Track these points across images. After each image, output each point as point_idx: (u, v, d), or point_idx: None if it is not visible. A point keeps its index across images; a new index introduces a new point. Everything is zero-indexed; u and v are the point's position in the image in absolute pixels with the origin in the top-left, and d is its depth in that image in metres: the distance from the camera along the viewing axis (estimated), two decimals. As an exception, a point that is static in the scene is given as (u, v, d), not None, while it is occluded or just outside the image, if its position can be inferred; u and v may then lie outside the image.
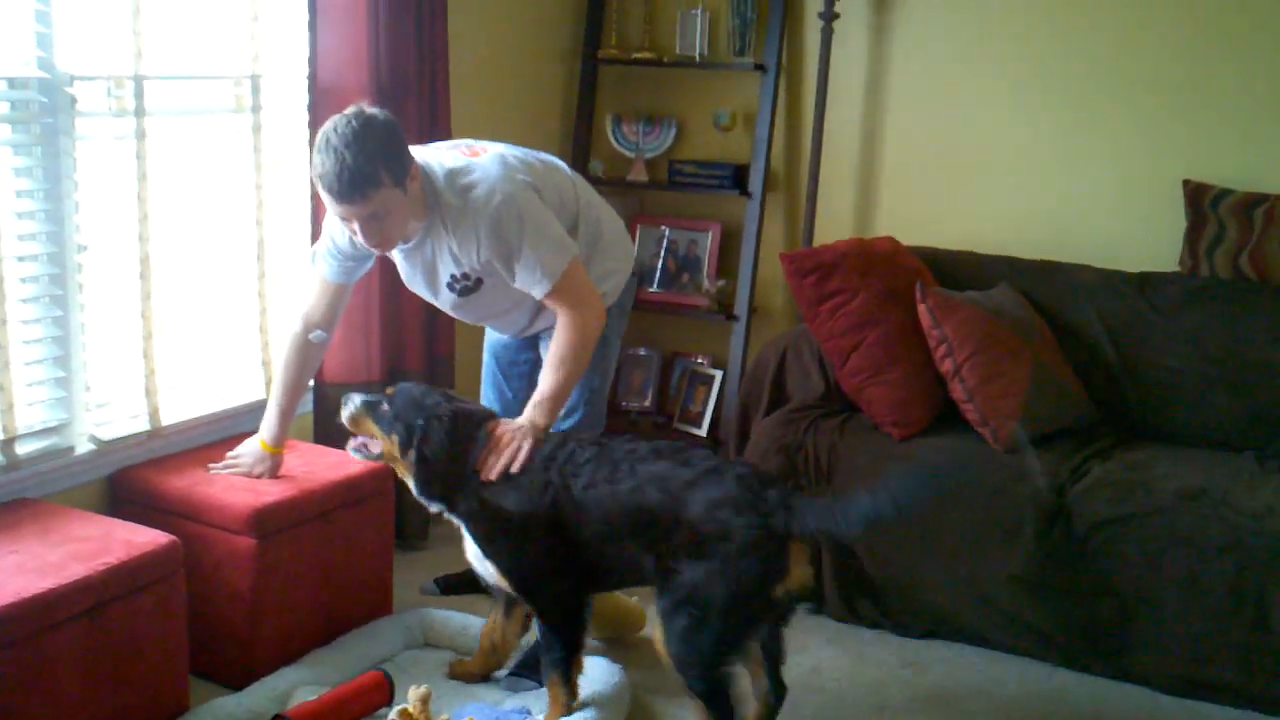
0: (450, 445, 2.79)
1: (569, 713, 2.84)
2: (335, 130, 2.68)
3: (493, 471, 2.75)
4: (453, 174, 2.84)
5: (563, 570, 2.78)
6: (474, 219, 2.80)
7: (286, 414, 3.19)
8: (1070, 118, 4.19)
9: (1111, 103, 4.12)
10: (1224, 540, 3.13)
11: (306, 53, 3.55)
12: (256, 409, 3.57)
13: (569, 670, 2.84)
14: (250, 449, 3.21)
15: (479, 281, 2.93)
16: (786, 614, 2.76)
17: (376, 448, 2.92)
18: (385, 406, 2.88)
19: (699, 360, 4.75)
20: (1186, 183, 3.97)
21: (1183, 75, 4.01)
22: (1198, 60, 3.99)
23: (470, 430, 2.81)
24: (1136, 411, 3.81)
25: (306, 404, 3.75)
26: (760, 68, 4.49)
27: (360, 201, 2.68)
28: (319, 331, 3.16)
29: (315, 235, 3.61)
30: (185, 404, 3.39)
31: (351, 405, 2.93)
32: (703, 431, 4.61)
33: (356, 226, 2.76)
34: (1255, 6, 3.90)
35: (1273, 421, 3.62)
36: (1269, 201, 3.81)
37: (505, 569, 2.83)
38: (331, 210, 2.80)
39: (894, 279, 3.80)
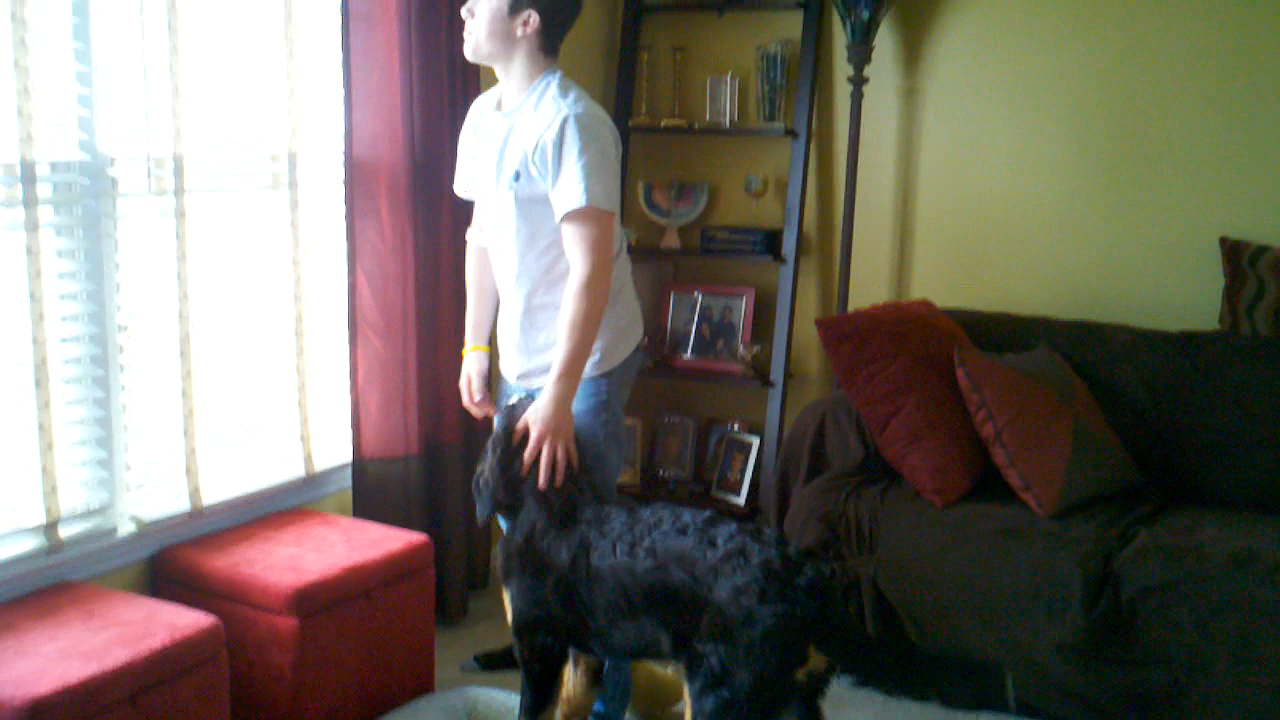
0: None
1: None
2: None
3: (542, 481, 2.77)
4: (569, 87, 2.88)
5: (558, 627, 2.79)
6: (559, 109, 2.80)
7: (482, 317, 3.21)
8: (1104, 176, 4.18)
9: (1146, 160, 4.11)
10: (1275, 606, 3.07)
11: (342, 128, 3.57)
12: (297, 485, 3.60)
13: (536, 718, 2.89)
14: (470, 363, 3.20)
15: (517, 175, 2.88)
16: (815, 692, 2.71)
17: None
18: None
19: (735, 427, 4.73)
20: (1223, 240, 3.94)
21: (1216, 131, 4.00)
22: (1231, 116, 3.98)
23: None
24: (1181, 473, 3.76)
25: (345, 480, 3.75)
26: (791, 133, 4.51)
27: None
28: (482, 235, 3.15)
29: (354, 308, 3.63)
30: (226, 482, 3.39)
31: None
32: (741, 499, 4.57)
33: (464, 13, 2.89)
34: (1288, 64, 3.90)
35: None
36: (1308, 258, 3.78)
37: (510, 598, 2.85)
38: None
39: (931, 343, 3.78)
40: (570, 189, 2.77)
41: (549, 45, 2.89)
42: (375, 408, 3.69)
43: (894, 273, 4.53)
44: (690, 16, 4.72)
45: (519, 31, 2.84)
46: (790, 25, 4.56)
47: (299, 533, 3.34)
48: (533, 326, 2.97)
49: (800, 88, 4.51)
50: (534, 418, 2.80)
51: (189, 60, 3.17)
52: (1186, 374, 3.80)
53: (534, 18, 2.83)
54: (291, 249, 3.54)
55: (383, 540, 3.31)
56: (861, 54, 4.29)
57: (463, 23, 2.93)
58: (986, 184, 4.36)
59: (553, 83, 2.87)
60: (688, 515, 2.67)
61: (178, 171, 3.17)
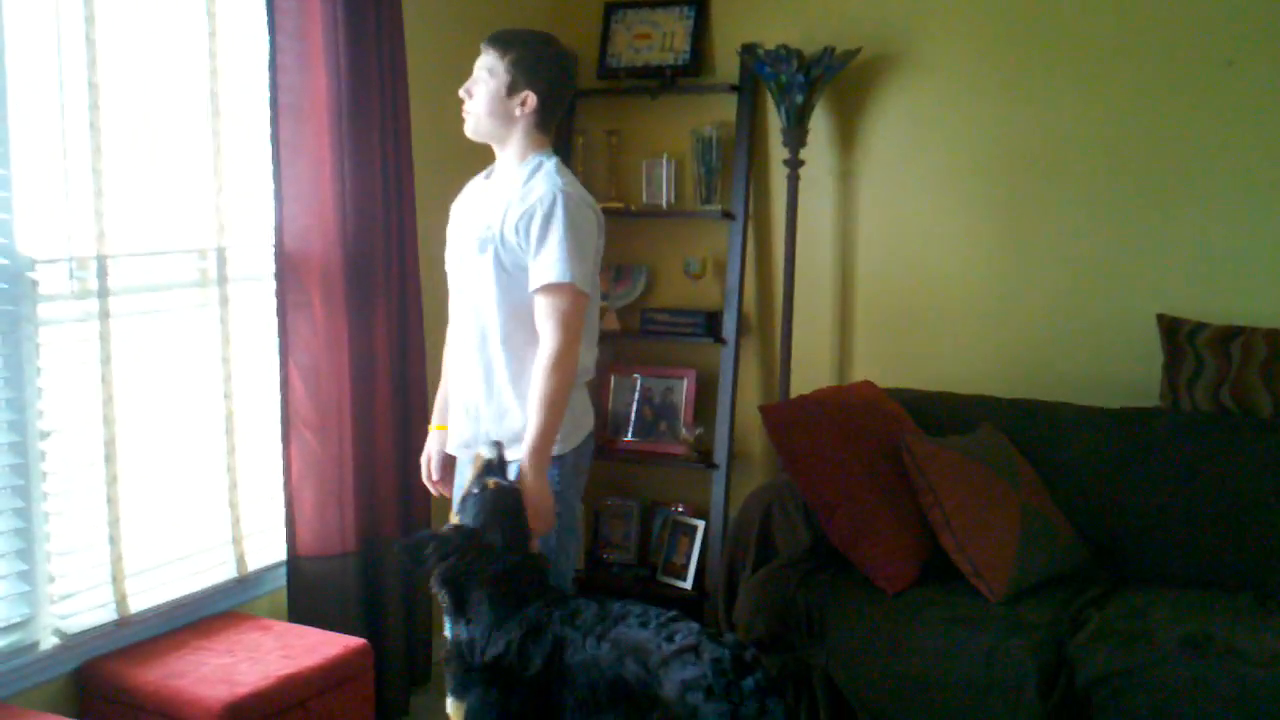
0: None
1: None
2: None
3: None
4: (564, 170, 2.98)
5: None
6: (553, 185, 2.89)
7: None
8: (1042, 253, 4.20)
9: (1082, 237, 4.14)
10: (1232, 691, 3.03)
11: (273, 222, 3.49)
12: (230, 587, 3.49)
13: None
14: (433, 442, 3.24)
15: (492, 238, 2.93)
16: None
17: None
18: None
19: (679, 510, 4.66)
20: (1161, 317, 3.96)
21: (1152, 208, 4.04)
22: (1166, 192, 4.02)
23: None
24: (1128, 552, 3.72)
25: (279, 579, 3.63)
26: (728, 215, 4.50)
27: (484, 52, 2.97)
28: None
29: (287, 404, 3.54)
30: (155, 588, 3.28)
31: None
32: (688, 584, 4.50)
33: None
34: (1218, 144, 3.94)
35: (1268, 557, 3.55)
36: (1245, 334, 3.80)
37: (467, 711, 2.73)
38: None
39: (875, 427, 3.74)
40: (550, 263, 2.84)
41: (544, 123, 3.00)
42: (310, 505, 3.59)
43: (835, 352, 4.51)
44: (624, 100, 4.72)
45: (517, 111, 2.95)
46: (725, 108, 4.56)
47: (231, 640, 3.22)
48: (490, 395, 2.99)
49: (736, 170, 4.50)
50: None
51: (112, 158, 3.10)
52: (1129, 451, 3.78)
53: (531, 98, 2.95)
54: (221, 346, 3.45)
55: (319, 646, 3.21)
56: (796, 137, 4.30)
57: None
58: (925, 263, 4.36)
59: (547, 163, 2.97)
60: (654, 612, 2.66)
61: (101, 272, 3.09)
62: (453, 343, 3.17)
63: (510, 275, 2.92)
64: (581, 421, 3.06)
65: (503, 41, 2.96)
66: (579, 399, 3.05)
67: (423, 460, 3.27)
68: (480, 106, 2.97)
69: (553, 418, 2.84)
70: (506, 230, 2.89)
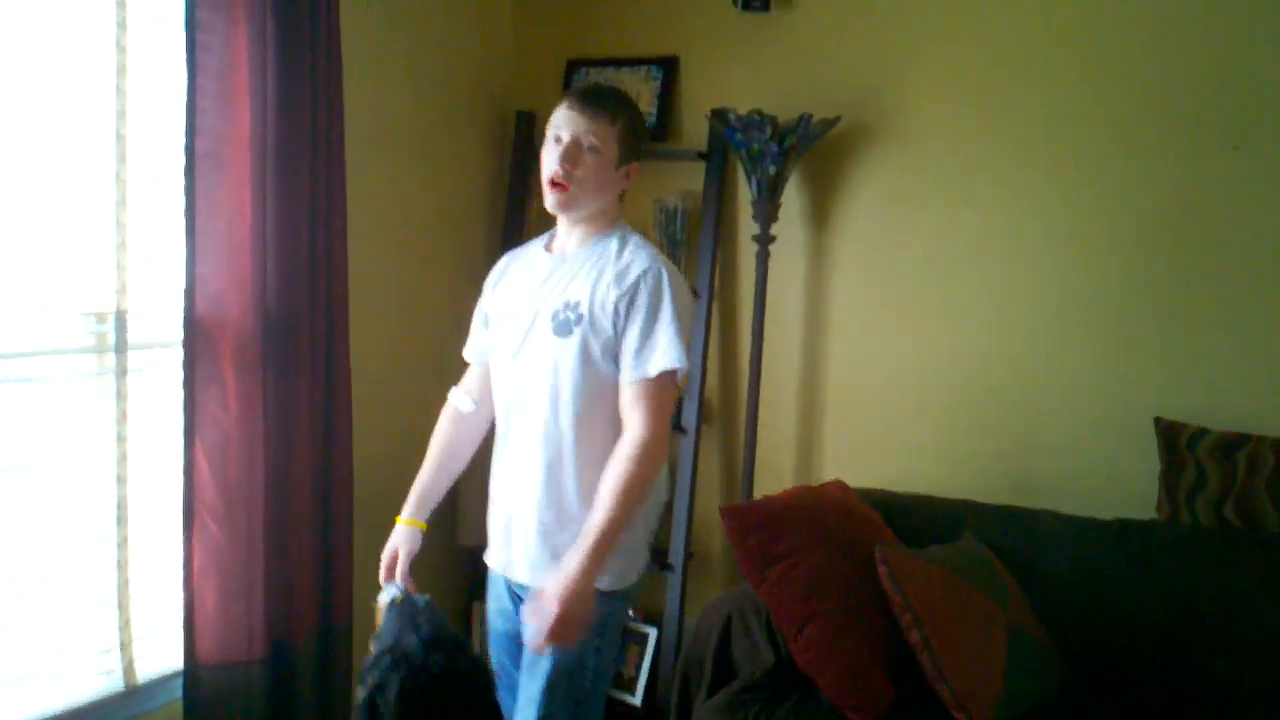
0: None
1: None
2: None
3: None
4: (647, 244, 2.73)
5: None
6: (651, 263, 2.65)
7: (432, 488, 2.90)
8: (1030, 347, 3.87)
9: (1076, 331, 3.81)
10: None
11: (182, 283, 3.11)
12: (114, 702, 3.10)
13: None
14: (401, 539, 2.85)
15: (579, 318, 2.62)
16: None
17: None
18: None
19: (630, 615, 4.26)
20: (1158, 420, 3.64)
21: (1151, 302, 3.72)
22: (1167, 285, 3.71)
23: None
24: (1120, 680, 3.38)
25: (175, 691, 3.21)
26: (692, 292, 4.15)
27: (588, 116, 2.63)
28: (467, 398, 2.91)
29: (190, 490, 3.14)
30: (18, 704, 2.86)
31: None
32: (637, 699, 4.10)
33: (557, 152, 2.63)
34: (1225, 232, 3.63)
35: (1277, 695, 3.21)
36: (1250, 443, 3.48)
37: None
38: (552, 123, 2.67)
39: (848, 533, 3.38)
40: (662, 348, 2.58)
41: (623, 193, 2.79)
42: (213, 605, 3.19)
43: (803, 446, 4.16)
44: (585, 165, 4.38)
45: (623, 183, 2.74)
46: (691, 177, 4.24)
47: (105, 768, 2.80)
48: (550, 504, 2.64)
49: (702, 245, 4.17)
50: (558, 593, 2.41)
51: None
52: (1123, 568, 3.44)
53: (636, 168, 2.75)
54: (116, 421, 3.06)
55: (208, 775, 2.79)
56: (767, 211, 3.98)
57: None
58: (903, 353, 4.02)
59: (632, 236, 2.75)
60: None
61: (-31, 334, 2.70)
62: (466, 438, 2.90)
63: (594, 364, 2.59)
64: (641, 553, 2.75)
65: (612, 106, 2.66)
66: (648, 529, 2.74)
67: (385, 555, 2.87)
68: (592, 179, 2.65)
69: (624, 512, 2.48)
70: (598, 310, 2.58)
